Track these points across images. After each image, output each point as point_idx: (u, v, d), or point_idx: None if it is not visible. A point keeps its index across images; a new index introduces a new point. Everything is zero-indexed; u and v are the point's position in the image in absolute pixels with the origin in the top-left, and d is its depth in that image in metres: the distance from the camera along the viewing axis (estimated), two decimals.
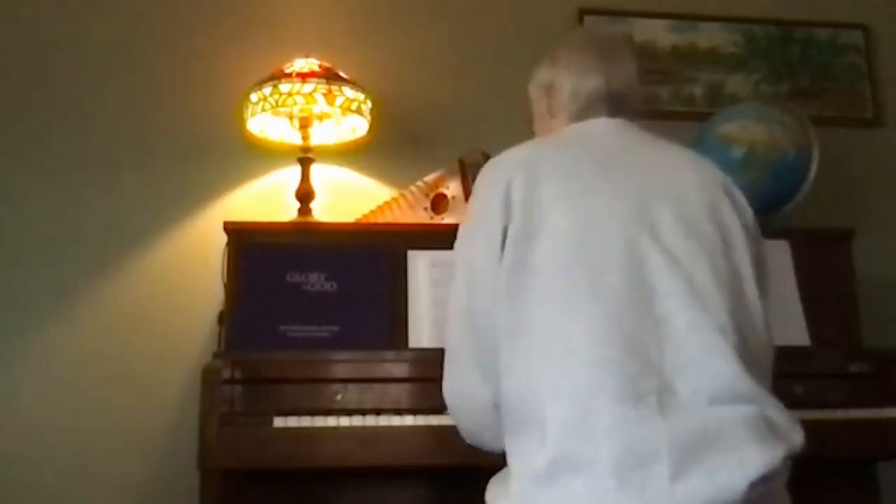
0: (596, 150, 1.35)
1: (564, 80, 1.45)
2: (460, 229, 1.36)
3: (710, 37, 2.60)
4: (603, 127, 1.41)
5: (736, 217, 1.31)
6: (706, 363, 1.15)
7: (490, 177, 1.33)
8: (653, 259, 1.20)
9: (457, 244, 1.35)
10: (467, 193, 1.96)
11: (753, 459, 1.09)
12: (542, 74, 1.50)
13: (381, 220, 2.14)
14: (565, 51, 1.48)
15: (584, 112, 1.43)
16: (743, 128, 2.17)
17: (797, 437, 1.17)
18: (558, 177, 1.28)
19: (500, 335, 1.22)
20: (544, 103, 1.49)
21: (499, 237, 1.25)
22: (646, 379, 1.12)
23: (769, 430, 1.13)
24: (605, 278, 1.18)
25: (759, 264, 1.31)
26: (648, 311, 1.17)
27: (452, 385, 1.34)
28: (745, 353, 1.18)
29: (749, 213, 1.35)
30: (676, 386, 1.13)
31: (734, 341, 1.17)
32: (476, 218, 1.31)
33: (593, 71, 1.43)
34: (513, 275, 1.22)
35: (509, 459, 1.21)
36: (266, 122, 2.22)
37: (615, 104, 1.42)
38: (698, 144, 2.22)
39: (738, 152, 2.15)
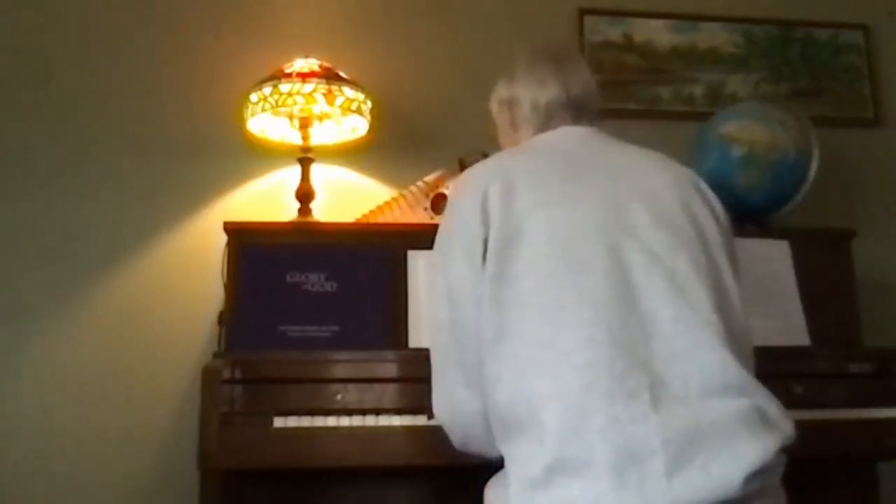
0: (565, 158, 1.37)
1: (523, 93, 1.48)
2: (437, 241, 1.37)
3: (710, 37, 2.60)
4: (569, 135, 1.43)
5: (708, 213, 1.33)
6: (694, 355, 1.16)
7: (466, 187, 1.34)
8: (633, 258, 1.22)
9: (435, 257, 1.36)
10: None
11: (748, 454, 1.10)
12: (501, 91, 1.53)
13: (381, 220, 2.14)
14: (520, 66, 1.50)
15: (546, 122, 1.46)
16: (743, 128, 2.17)
17: (788, 427, 1.18)
18: (532, 185, 1.29)
19: (483, 344, 1.23)
20: (507, 117, 1.52)
21: (479, 248, 1.26)
22: (636, 377, 1.14)
23: (762, 422, 1.15)
24: (589, 281, 1.20)
25: (733, 259, 1.33)
26: (633, 309, 1.19)
27: (442, 400, 1.35)
28: (732, 343, 1.19)
29: (720, 209, 1.37)
30: (667, 380, 1.14)
31: (720, 333, 1.19)
32: (454, 230, 1.32)
33: (550, 81, 1.46)
34: (496, 284, 1.23)
35: (507, 464, 1.21)
36: (266, 122, 2.22)
37: (576, 111, 1.46)
38: (698, 144, 2.23)
39: (738, 152, 2.15)
